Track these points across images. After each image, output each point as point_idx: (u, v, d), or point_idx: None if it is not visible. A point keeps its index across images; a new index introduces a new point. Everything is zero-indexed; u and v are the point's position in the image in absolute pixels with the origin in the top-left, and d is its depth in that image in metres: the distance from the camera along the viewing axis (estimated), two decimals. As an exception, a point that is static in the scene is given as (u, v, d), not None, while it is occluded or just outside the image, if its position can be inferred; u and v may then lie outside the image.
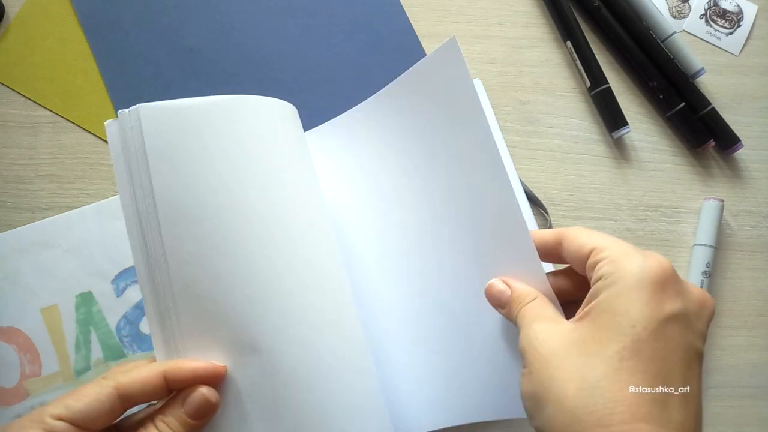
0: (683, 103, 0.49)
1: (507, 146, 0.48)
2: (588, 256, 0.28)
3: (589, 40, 0.50)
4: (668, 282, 0.26)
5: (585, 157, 0.49)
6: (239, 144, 0.32)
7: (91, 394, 0.27)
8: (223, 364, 0.30)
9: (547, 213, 0.47)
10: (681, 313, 0.25)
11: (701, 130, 0.49)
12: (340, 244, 0.37)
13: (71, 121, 0.45)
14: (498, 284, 0.32)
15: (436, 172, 0.36)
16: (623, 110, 0.48)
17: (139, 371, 0.28)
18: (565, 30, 0.50)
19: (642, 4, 0.50)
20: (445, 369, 0.36)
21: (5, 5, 0.46)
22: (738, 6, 0.53)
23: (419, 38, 0.49)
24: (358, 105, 0.40)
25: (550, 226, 0.46)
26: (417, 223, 0.37)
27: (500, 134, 0.48)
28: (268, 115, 0.34)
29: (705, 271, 0.46)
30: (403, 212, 0.38)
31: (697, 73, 0.50)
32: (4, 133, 0.45)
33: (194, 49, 0.47)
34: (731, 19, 0.53)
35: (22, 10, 0.47)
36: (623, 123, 0.48)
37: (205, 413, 0.29)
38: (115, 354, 0.41)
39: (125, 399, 0.28)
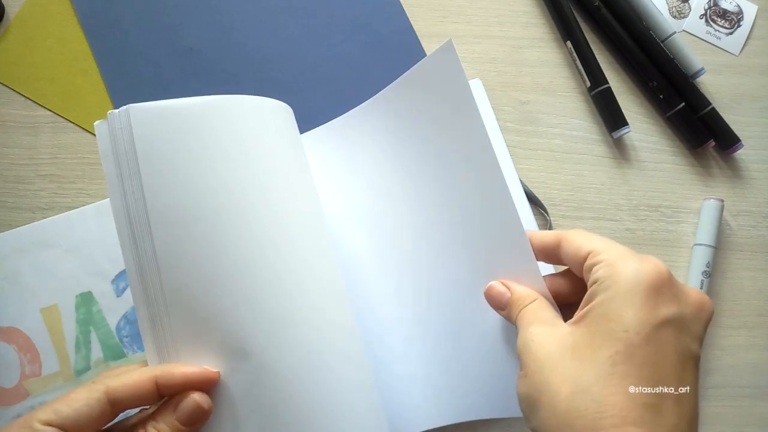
0: (683, 103, 0.49)
1: (507, 146, 0.48)
2: (585, 259, 0.28)
3: (589, 40, 0.50)
4: (663, 286, 0.26)
5: (585, 157, 0.49)
6: (233, 144, 0.32)
7: (80, 399, 0.26)
8: (216, 369, 0.29)
9: (547, 213, 0.47)
10: (676, 317, 0.25)
11: (701, 130, 0.49)
12: (336, 247, 0.37)
13: (71, 121, 0.45)
14: (498, 286, 0.32)
15: (432, 175, 0.36)
16: (623, 110, 0.48)
17: (130, 375, 0.28)
18: (565, 30, 0.50)
19: (642, 4, 0.50)
20: (443, 368, 0.36)
21: (5, 5, 0.46)
22: (738, 6, 0.53)
23: (419, 38, 0.49)
24: (354, 109, 0.40)
25: (550, 226, 0.46)
26: (412, 226, 0.37)
27: (500, 134, 0.48)
28: (261, 115, 0.34)
29: (705, 271, 0.46)
30: (399, 215, 0.38)
31: (697, 73, 0.50)
32: (4, 133, 0.45)
33: (194, 49, 0.47)
34: (731, 19, 0.53)
35: (22, 10, 0.47)
36: (623, 123, 0.48)
37: (197, 419, 0.28)
38: (115, 354, 0.41)
39: (115, 404, 0.27)
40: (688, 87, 0.49)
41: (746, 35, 0.53)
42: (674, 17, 0.53)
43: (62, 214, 0.42)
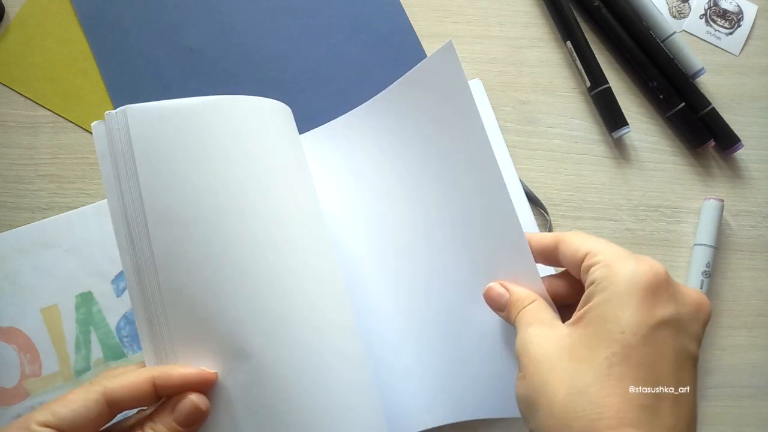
0: (683, 103, 0.49)
1: (507, 146, 0.48)
2: (583, 260, 0.28)
3: (589, 40, 0.50)
4: (660, 287, 0.26)
5: (585, 157, 0.49)
6: (232, 144, 0.32)
7: (77, 400, 0.26)
8: (214, 369, 0.29)
9: (547, 213, 0.47)
10: (673, 317, 0.25)
11: (701, 130, 0.49)
12: (336, 246, 0.37)
13: (71, 121, 0.45)
14: (496, 287, 0.32)
15: (432, 175, 0.36)
16: (623, 110, 0.48)
17: (127, 376, 0.28)
18: (565, 30, 0.50)
19: (642, 4, 0.50)
20: (443, 368, 0.36)
21: (5, 5, 0.46)
22: (738, 6, 0.53)
23: (419, 38, 0.49)
24: (354, 109, 0.40)
25: (550, 227, 0.46)
26: (413, 226, 0.37)
27: (500, 134, 0.48)
28: (261, 115, 0.34)
29: (705, 271, 0.46)
30: (399, 215, 0.38)
31: (697, 73, 0.50)
32: (4, 133, 0.45)
33: (194, 49, 0.47)
34: (731, 19, 0.53)
35: (22, 10, 0.47)
36: (623, 123, 0.48)
37: (195, 420, 0.28)
38: (115, 354, 0.41)
39: (113, 404, 0.27)
40: (688, 87, 0.49)
41: (746, 35, 0.53)
42: (674, 17, 0.53)
43: (62, 214, 0.42)
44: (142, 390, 0.28)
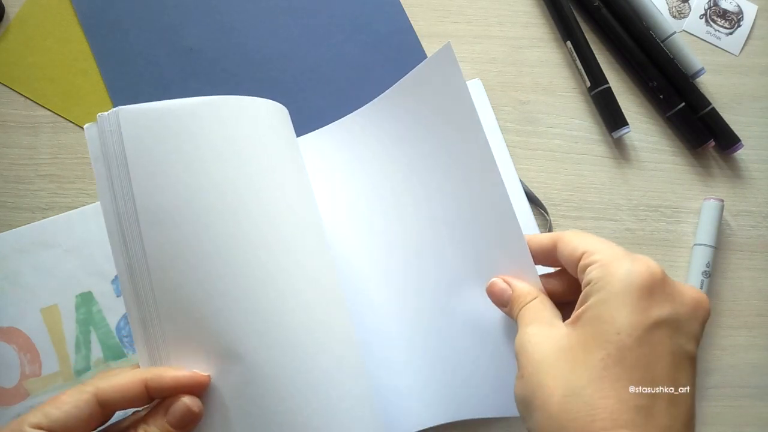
0: (683, 103, 0.49)
1: (507, 146, 0.48)
2: (580, 259, 0.28)
3: (589, 40, 0.50)
4: (656, 287, 0.26)
5: (585, 157, 0.49)
6: (225, 144, 0.31)
7: (69, 401, 0.26)
8: (207, 371, 0.29)
9: (547, 213, 0.47)
10: (669, 317, 0.25)
11: (701, 130, 0.49)
12: (337, 247, 0.37)
13: (71, 121, 0.45)
14: (499, 283, 0.32)
15: (432, 177, 0.36)
16: (623, 110, 0.48)
17: (120, 378, 0.28)
18: (565, 30, 0.50)
19: (642, 4, 0.50)
20: (443, 366, 0.36)
21: (5, 5, 0.46)
22: (738, 6, 0.53)
23: (419, 38, 0.49)
24: (356, 111, 0.40)
25: (550, 227, 0.46)
26: (413, 227, 0.37)
27: (500, 134, 0.48)
28: (255, 115, 0.33)
29: (705, 271, 0.46)
30: (401, 215, 0.38)
31: (697, 73, 0.50)
32: (4, 133, 0.45)
33: (194, 49, 0.47)
34: (731, 19, 0.53)
35: (22, 10, 0.47)
36: (623, 123, 0.48)
37: (188, 422, 0.28)
38: (115, 354, 0.41)
39: (105, 406, 0.27)
40: (688, 87, 0.49)
41: (746, 35, 0.53)
42: (674, 17, 0.53)
43: (62, 214, 0.42)
44: (133, 392, 0.28)
